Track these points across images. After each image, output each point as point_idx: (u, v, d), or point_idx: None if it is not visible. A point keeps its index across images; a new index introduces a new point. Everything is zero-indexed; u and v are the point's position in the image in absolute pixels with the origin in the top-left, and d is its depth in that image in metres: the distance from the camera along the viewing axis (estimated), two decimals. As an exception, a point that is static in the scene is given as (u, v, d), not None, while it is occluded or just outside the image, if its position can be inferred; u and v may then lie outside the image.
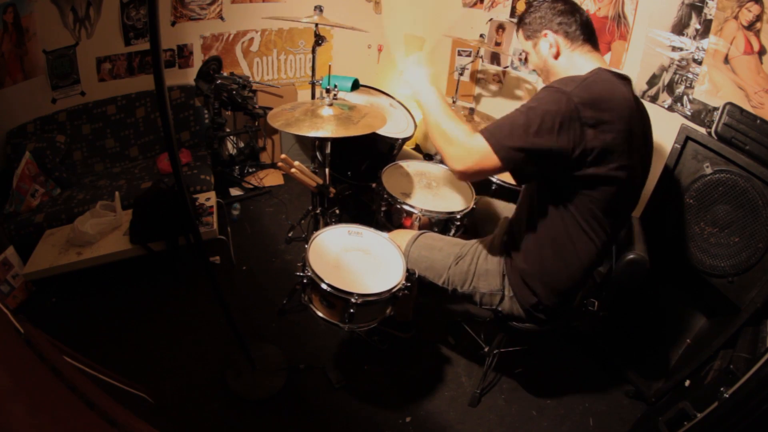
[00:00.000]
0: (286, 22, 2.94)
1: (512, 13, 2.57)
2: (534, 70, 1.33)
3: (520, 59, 2.60)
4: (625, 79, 1.11)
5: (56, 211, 2.11)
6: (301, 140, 3.22)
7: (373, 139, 2.12)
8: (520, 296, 1.33)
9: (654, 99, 1.90)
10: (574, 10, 1.16)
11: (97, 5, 2.36)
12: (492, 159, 1.03)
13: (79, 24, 2.34)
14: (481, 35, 2.59)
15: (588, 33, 1.16)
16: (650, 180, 1.72)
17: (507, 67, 2.73)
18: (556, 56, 1.17)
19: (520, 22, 1.24)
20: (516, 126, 1.02)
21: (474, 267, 1.39)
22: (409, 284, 1.39)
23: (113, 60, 2.52)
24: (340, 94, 1.70)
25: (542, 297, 1.28)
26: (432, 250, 1.45)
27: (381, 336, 1.85)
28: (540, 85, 2.23)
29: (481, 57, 2.84)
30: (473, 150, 1.05)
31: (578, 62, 1.15)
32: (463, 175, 1.09)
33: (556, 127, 0.99)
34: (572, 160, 1.02)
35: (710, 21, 1.63)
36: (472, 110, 2.55)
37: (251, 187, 2.92)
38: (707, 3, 1.63)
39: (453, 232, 1.69)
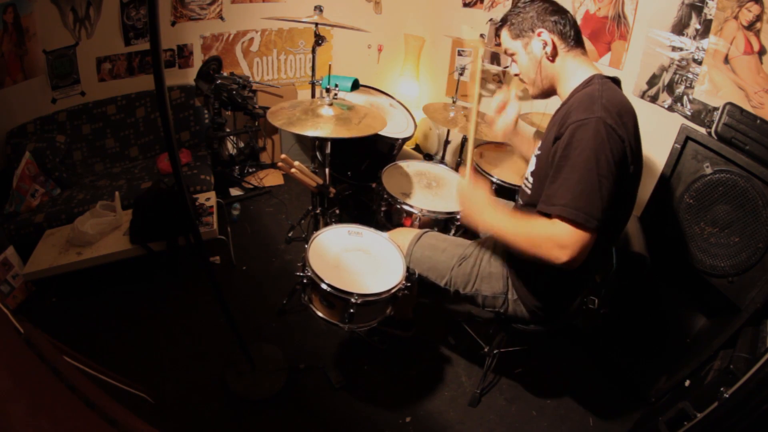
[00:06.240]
0: (286, 22, 2.95)
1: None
2: (517, 74, 1.26)
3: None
4: (616, 81, 1.12)
5: (56, 211, 2.11)
6: (301, 140, 3.22)
7: (373, 139, 2.12)
8: (524, 299, 1.32)
9: (654, 99, 1.90)
10: (564, 10, 1.15)
11: (97, 5, 2.36)
12: (585, 235, 0.97)
13: (79, 24, 2.34)
14: (481, 35, 2.59)
15: (577, 34, 1.15)
16: (650, 180, 1.73)
17: (507, 67, 2.73)
18: (552, 58, 1.15)
19: (505, 22, 1.21)
20: (588, 193, 0.96)
21: (477, 269, 1.37)
22: (409, 284, 1.39)
23: (113, 60, 2.53)
24: (340, 94, 1.71)
25: (546, 298, 1.28)
26: (435, 251, 1.43)
27: (381, 336, 1.85)
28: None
29: (482, 57, 2.84)
30: (564, 237, 0.98)
31: (571, 66, 1.15)
32: (575, 262, 1.00)
33: (614, 163, 0.97)
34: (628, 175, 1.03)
35: (710, 21, 1.63)
36: (472, 110, 2.55)
37: (251, 187, 2.92)
38: (707, 3, 1.63)
39: (453, 231, 1.69)
